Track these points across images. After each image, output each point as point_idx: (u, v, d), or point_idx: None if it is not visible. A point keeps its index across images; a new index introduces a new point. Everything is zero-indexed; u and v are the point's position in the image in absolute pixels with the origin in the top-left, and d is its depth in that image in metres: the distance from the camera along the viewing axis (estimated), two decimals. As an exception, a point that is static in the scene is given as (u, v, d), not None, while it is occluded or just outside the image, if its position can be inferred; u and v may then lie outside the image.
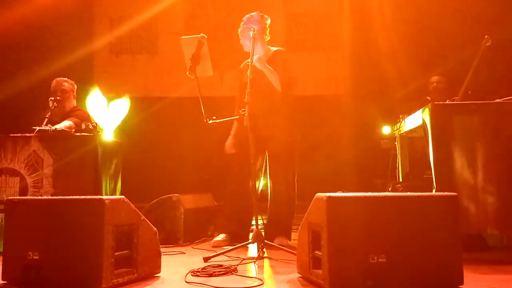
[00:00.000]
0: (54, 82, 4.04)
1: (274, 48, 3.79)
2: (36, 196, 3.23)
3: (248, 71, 3.23)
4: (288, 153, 3.63)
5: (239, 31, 3.72)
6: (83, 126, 3.48)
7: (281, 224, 3.62)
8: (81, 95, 4.36)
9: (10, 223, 2.25)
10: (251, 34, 3.34)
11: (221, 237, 3.57)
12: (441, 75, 4.81)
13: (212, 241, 3.56)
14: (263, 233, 3.05)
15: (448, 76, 4.69)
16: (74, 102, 4.10)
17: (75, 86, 4.15)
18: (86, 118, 4.00)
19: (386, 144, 4.92)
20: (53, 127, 3.50)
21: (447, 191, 2.25)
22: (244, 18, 3.75)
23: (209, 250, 3.20)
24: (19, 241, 2.18)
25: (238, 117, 3.27)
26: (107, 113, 5.13)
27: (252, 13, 3.74)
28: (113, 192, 3.60)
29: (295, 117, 3.69)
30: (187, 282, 2.21)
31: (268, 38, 3.79)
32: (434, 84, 4.72)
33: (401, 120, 3.98)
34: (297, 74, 3.77)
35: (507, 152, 2.78)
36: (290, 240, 3.58)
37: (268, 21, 3.78)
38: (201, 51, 3.28)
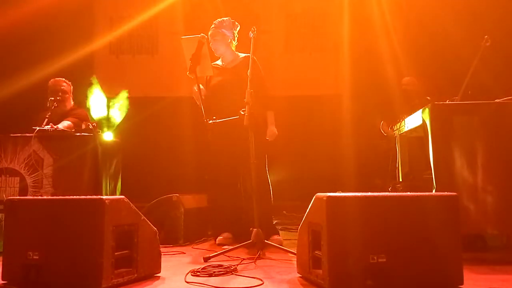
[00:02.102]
0: (52, 82, 4.04)
1: (242, 55, 3.79)
2: (36, 196, 3.23)
3: (249, 71, 3.23)
4: (261, 153, 3.55)
5: (209, 34, 3.70)
6: (83, 126, 3.48)
7: (270, 222, 3.66)
8: (81, 95, 4.36)
9: (10, 223, 2.25)
10: (251, 34, 3.33)
11: (224, 235, 3.61)
12: (412, 77, 4.87)
13: (218, 238, 3.60)
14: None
15: (447, 76, 4.69)
16: (72, 102, 4.11)
17: (72, 86, 4.17)
18: (85, 117, 4.01)
19: (384, 145, 4.95)
20: (54, 127, 3.51)
21: (447, 191, 2.25)
22: (215, 22, 3.76)
23: (209, 250, 3.21)
24: (19, 241, 2.18)
25: (238, 117, 3.27)
26: (108, 111, 5.17)
27: (224, 18, 3.77)
28: (113, 192, 3.60)
29: (267, 117, 3.71)
30: (187, 282, 2.21)
31: (236, 44, 3.83)
32: (403, 87, 4.80)
33: (401, 120, 3.98)
34: (266, 77, 3.80)
35: (507, 152, 2.79)
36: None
37: (238, 28, 3.82)
38: (201, 51, 3.28)
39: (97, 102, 5.84)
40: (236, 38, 3.82)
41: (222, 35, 3.70)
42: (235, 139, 3.49)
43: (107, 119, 6.24)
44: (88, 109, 4.44)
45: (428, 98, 4.32)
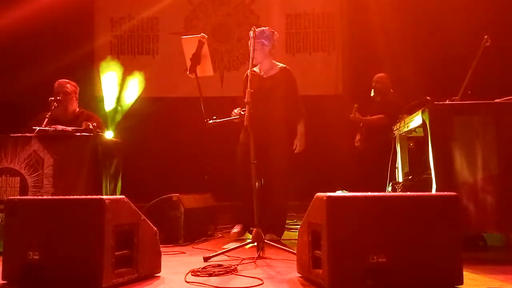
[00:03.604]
0: (56, 83, 4.03)
1: (280, 65, 3.98)
2: (36, 196, 3.23)
3: (248, 71, 3.26)
4: (287, 159, 3.87)
5: (249, 43, 3.76)
6: (83, 126, 3.48)
7: (273, 221, 3.76)
8: (81, 95, 4.36)
9: (10, 223, 2.25)
10: (251, 34, 3.37)
11: (236, 229, 3.83)
12: (382, 74, 4.94)
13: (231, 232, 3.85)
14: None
15: (447, 76, 4.70)
16: (76, 104, 4.08)
17: (78, 88, 4.14)
18: (99, 120, 4.02)
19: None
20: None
21: (447, 191, 2.25)
22: (257, 31, 3.79)
23: (209, 250, 3.21)
24: (19, 241, 2.18)
25: (238, 117, 3.29)
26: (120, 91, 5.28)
27: (264, 28, 3.91)
28: (113, 192, 3.60)
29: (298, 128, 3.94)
30: (187, 282, 2.21)
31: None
32: (373, 84, 4.91)
33: (401, 120, 3.98)
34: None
35: (507, 152, 2.79)
36: (279, 238, 3.76)
37: (276, 37, 3.96)
38: (201, 51, 3.28)
39: (109, 81, 6.06)
40: (274, 47, 3.97)
41: (261, 45, 3.83)
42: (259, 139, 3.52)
43: (118, 99, 6.40)
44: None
45: (428, 98, 4.32)
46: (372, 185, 4.24)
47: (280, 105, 3.81)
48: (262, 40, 3.83)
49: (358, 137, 5.22)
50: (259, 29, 3.87)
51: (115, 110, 6.74)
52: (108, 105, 6.72)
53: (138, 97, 6.95)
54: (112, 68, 6.69)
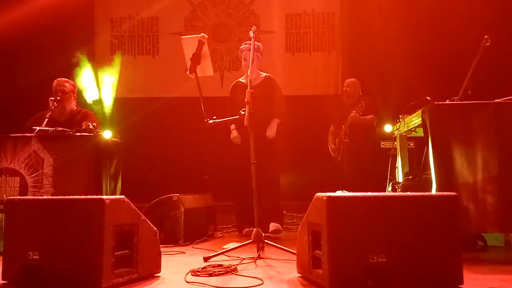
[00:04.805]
0: (55, 82, 4.02)
1: (264, 74, 4.28)
2: (36, 196, 3.23)
3: (249, 71, 3.28)
4: (275, 159, 4.13)
5: (246, 54, 4.12)
6: (83, 126, 3.47)
7: (271, 212, 4.00)
8: (81, 95, 4.36)
9: (10, 223, 2.25)
10: (251, 34, 3.42)
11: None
12: (353, 79, 4.98)
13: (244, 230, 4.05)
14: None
15: (447, 76, 4.70)
16: (75, 103, 4.07)
17: (76, 87, 4.14)
18: (95, 118, 4.01)
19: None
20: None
21: (447, 191, 2.25)
22: (254, 46, 3.92)
23: (209, 250, 3.21)
24: (19, 241, 2.18)
25: (238, 117, 3.30)
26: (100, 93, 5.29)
27: (259, 44, 4.20)
28: (113, 192, 3.60)
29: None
30: (187, 282, 2.21)
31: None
32: (344, 88, 4.96)
33: (401, 120, 3.98)
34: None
35: (507, 152, 2.79)
36: (282, 226, 4.08)
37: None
38: (201, 51, 3.28)
39: (88, 84, 6.04)
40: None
41: (258, 58, 4.21)
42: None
43: (100, 101, 6.41)
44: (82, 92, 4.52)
45: (428, 98, 4.32)
46: (372, 185, 4.24)
47: (266, 111, 4.02)
48: (258, 53, 4.18)
49: (332, 145, 5.08)
50: (256, 43, 4.08)
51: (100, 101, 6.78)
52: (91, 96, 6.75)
53: (140, 97, 6.96)
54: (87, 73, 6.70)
